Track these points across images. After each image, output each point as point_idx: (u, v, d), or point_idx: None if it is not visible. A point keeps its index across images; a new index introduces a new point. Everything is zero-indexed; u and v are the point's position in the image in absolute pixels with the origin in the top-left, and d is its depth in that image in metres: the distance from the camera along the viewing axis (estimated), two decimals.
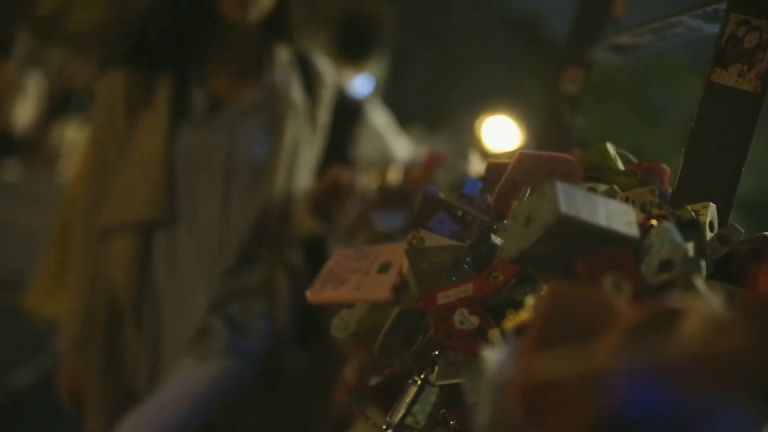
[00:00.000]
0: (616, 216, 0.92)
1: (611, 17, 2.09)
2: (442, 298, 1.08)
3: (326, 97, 2.56)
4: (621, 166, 1.34)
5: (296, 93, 2.46)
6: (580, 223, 0.89)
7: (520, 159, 1.29)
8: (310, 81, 2.52)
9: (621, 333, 0.65)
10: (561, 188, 0.91)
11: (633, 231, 0.92)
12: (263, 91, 2.42)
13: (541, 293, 0.85)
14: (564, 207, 0.89)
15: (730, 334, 0.56)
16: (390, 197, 2.64)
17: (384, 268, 1.37)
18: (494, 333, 0.99)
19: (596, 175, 1.30)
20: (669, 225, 0.94)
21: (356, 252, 1.45)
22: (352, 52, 3.55)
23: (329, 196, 2.38)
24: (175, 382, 2.29)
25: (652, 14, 1.88)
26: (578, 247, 0.90)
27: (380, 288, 1.35)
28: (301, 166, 2.49)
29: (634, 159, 1.39)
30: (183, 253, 2.36)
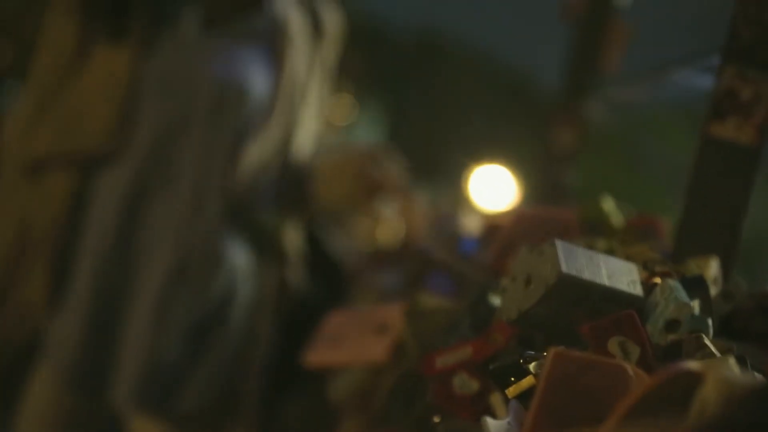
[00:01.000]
0: (619, 275, 0.90)
1: (602, 72, 2.09)
2: (441, 361, 1.05)
3: (334, 39, 2.06)
4: (619, 220, 1.32)
5: (300, 28, 1.98)
6: (582, 283, 0.87)
7: (518, 217, 1.27)
8: (317, 20, 2.02)
9: (633, 400, 0.62)
10: (561, 247, 0.88)
11: (637, 290, 0.90)
12: (264, 18, 1.91)
13: (544, 358, 0.82)
14: (565, 266, 0.86)
15: (753, 401, 0.53)
16: (386, 256, 2.61)
17: (381, 330, 1.34)
18: (496, 398, 0.95)
19: (594, 230, 1.28)
20: (673, 283, 0.92)
21: (352, 313, 1.43)
22: None
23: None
24: None
25: (647, 64, 1.87)
26: (580, 307, 0.87)
27: (377, 350, 1.32)
28: (307, 116, 1.99)
29: (632, 213, 1.37)
30: (142, 210, 1.81)
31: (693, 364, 0.63)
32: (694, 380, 0.62)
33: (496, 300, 1.09)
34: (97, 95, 1.74)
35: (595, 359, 0.71)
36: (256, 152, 1.86)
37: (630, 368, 0.73)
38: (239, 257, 1.85)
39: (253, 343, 1.88)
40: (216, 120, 1.79)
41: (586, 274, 0.87)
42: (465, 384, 1.01)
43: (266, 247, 1.91)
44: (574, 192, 2.27)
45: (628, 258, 1.09)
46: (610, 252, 1.14)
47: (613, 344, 0.80)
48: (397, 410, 1.24)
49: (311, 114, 1.99)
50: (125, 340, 1.78)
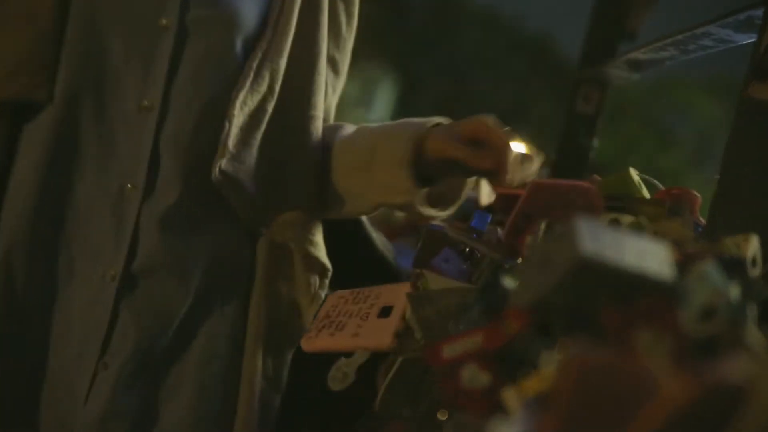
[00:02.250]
0: (648, 256, 0.79)
1: (627, 32, 1.96)
2: (449, 350, 0.94)
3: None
4: (646, 193, 1.20)
5: None
6: (607, 267, 0.75)
7: (534, 189, 1.15)
8: None
9: (664, 413, 0.51)
10: (583, 226, 0.77)
11: (668, 274, 0.78)
12: None
13: (563, 357, 0.71)
14: (588, 248, 0.75)
15: None
16: (396, 230, 2.50)
17: (385, 312, 1.24)
18: (509, 395, 0.84)
19: (619, 204, 1.16)
20: (709, 265, 0.80)
21: (354, 294, 1.32)
22: None
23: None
24: None
25: (671, 27, 1.75)
26: (605, 294, 0.76)
27: (381, 334, 1.21)
28: (324, 73, 1.51)
29: (660, 185, 1.26)
30: (76, 188, 1.38)
31: (736, 375, 0.52)
32: (738, 394, 0.51)
33: (509, 282, 0.98)
34: (14, 31, 1.31)
35: (617, 362, 0.60)
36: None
37: (659, 374, 0.61)
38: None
39: None
40: (181, 62, 1.38)
41: (611, 256, 0.75)
42: (475, 376, 0.89)
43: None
44: (596, 159, 2.16)
45: (657, 236, 0.98)
46: (637, 229, 1.03)
47: (640, 338, 0.69)
48: (398, 403, 1.13)
49: (335, 82, 1.59)
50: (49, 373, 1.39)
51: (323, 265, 1.53)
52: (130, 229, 1.37)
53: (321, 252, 1.54)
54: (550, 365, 0.73)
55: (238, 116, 1.39)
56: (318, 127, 1.51)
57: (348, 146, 1.51)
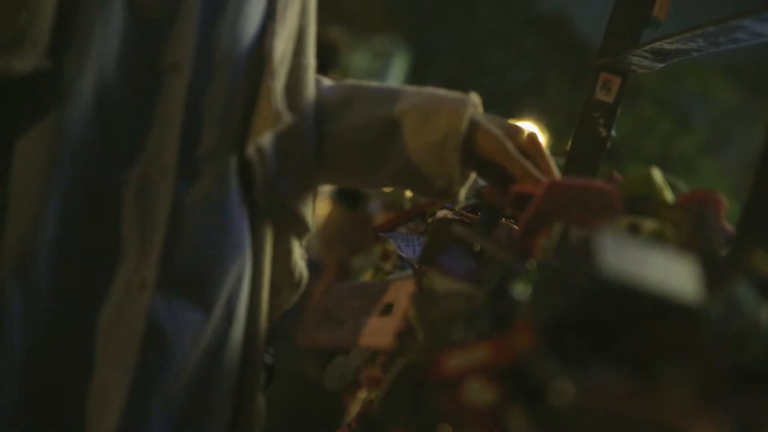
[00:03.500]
0: (675, 274, 0.72)
1: (652, 20, 1.88)
2: (452, 362, 0.87)
3: None
4: (671, 196, 1.13)
5: None
6: (630, 287, 0.68)
7: (550, 189, 1.08)
8: None
9: None
10: (606, 240, 0.70)
11: (697, 295, 0.71)
12: None
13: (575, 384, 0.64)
14: (611, 267, 0.68)
15: None
16: (404, 215, 2.41)
17: (386, 310, 1.17)
18: (516, 416, 0.78)
19: (640, 207, 1.09)
20: (741, 288, 0.73)
21: (355, 288, 1.25)
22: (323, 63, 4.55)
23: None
24: None
25: (695, 16, 1.67)
26: (627, 317, 0.69)
27: (382, 334, 1.15)
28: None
29: (684, 187, 1.18)
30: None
31: None
32: None
33: (521, 289, 0.91)
34: None
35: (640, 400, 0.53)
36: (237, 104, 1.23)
37: (683, 411, 0.54)
38: None
39: None
40: None
41: (638, 277, 0.68)
42: (479, 392, 0.83)
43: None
44: (614, 147, 2.09)
45: (683, 247, 0.91)
46: (660, 236, 0.96)
47: (666, 370, 0.62)
48: (398, 408, 1.07)
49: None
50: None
51: (306, 225, 1.36)
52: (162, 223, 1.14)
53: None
54: (563, 397, 0.66)
55: (279, 72, 1.23)
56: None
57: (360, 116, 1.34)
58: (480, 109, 1.35)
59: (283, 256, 1.37)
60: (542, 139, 1.25)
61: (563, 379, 0.67)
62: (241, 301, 1.29)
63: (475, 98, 1.33)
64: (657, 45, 1.74)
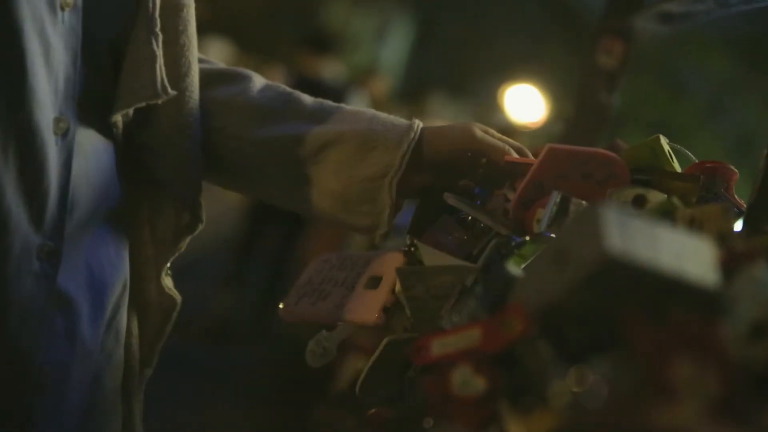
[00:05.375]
0: (687, 255, 0.64)
1: None
2: (439, 346, 0.80)
3: None
4: (677, 166, 1.05)
5: None
6: (638, 268, 0.61)
7: (549, 155, 1.00)
8: None
9: None
10: (610, 216, 0.62)
11: (711, 278, 0.64)
12: None
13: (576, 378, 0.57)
14: (615, 244, 0.60)
15: None
16: None
17: (373, 283, 1.10)
18: (507, 411, 0.70)
19: (645, 177, 1.01)
20: (761, 270, 0.66)
21: (341, 259, 1.18)
22: (322, 47, 5.23)
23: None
24: None
25: None
26: (632, 300, 0.62)
27: (367, 308, 1.07)
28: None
29: (692, 157, 1.10)
30: None
31: None
32: None
33: (514, 267, 0.83)
34: None
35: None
36: None
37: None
38: None
39: None
40: None
41: (645, 256, 0.61)
42: (468, 381, 0.75)
43: None
44: (615, 115, 2.02)
45: (694, 222, 0.83)
46: (669, 210, 0.88)
47: (680, 369, 0.55)
48: (379, 389, 1.00)
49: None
50: None
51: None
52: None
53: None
54: (561, 398, 0.59)
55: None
56: None
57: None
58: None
59: (156, 274, 1.23)
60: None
61: (560, 374, 0.59)
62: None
63: (418, 125, 1.17)
64: (664, 7, 1.66)
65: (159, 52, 1.12)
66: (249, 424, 3.96)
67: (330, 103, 1.24)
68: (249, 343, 5.02)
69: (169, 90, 1.12)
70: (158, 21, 1.12)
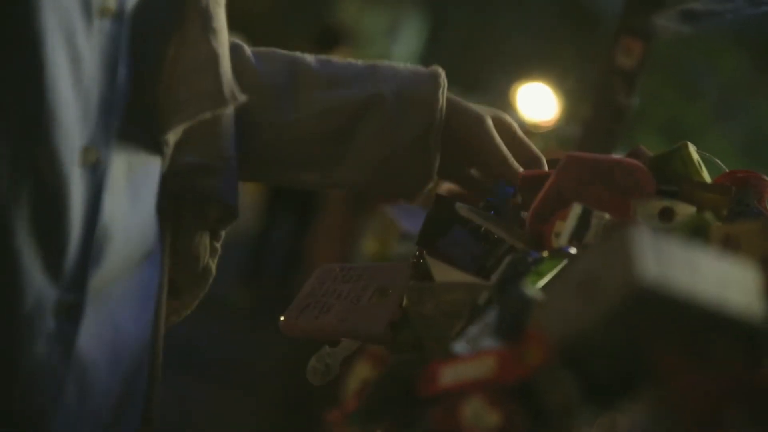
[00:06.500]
0: (729, 284, 0.57)
1: None
2: (449, 375, 0.73)
3: None
4: (707, 176, 0.98)
5: None
6: (676, 300, 0.54)
7: (569, 163, 0.94)
8: None
9: None
10: (644, 238, 0.55)
11: (757, 311, 0.57)
12: None
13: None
14: (650, 272, 0.54)
15: None
16: None
17: (380, 296, 1.03)
18: None
19: (673, 188, 0.94)
20: None
21: (345, 270, 1.11)
22: (333, 43, 5.56)
23: None
24: None
25: None
26: (668, 335, 0.55)
27: (373, 323, 1.01)
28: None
29: (722, 166, 1.04)
30: None
31: None
32: None
33: (531, 288, 0.77)
34: None
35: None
36: None
37: None
38: None
39: None
40: None
41: (684, 286, 0.54)
42: (480, 415, 0.68)
43: None
44: (633, 116, 1.97)
45: (729, 240, 0.76)
46: (700, 227, 0.81)
47: (725, 421, 0.48)
48: (381, 412, 0.93)
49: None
50: None
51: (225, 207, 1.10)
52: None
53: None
54: None
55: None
56: None
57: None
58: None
59: (184, 251, 1.10)
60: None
61: (587, 420, 0.52)
62: None
63: (441, 71, 1.14)
64: (688, 6, 1.59)
65: (221, 50, 0.98)
66: (257, 423, 3.96)
67: (335, 60, 1.16)
68: (265, 341, 5.04)
69: (238, 94, 0.99)
70: (213, 15, 0.98)
